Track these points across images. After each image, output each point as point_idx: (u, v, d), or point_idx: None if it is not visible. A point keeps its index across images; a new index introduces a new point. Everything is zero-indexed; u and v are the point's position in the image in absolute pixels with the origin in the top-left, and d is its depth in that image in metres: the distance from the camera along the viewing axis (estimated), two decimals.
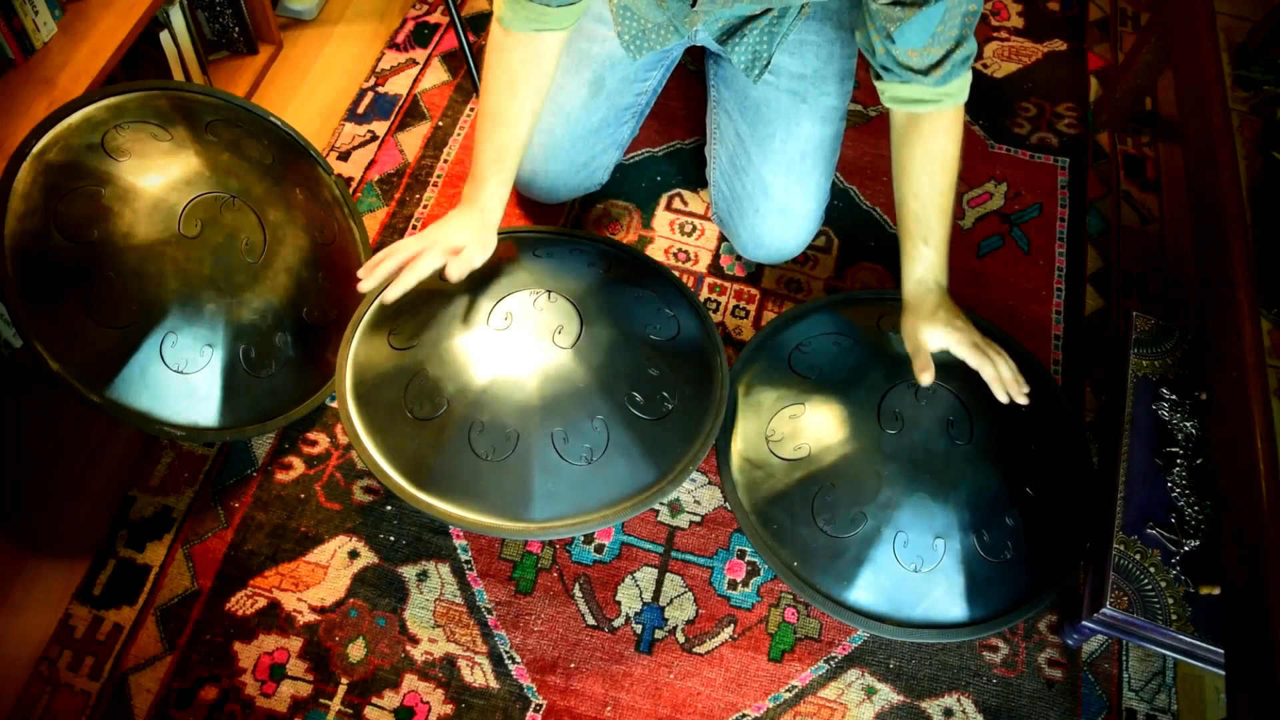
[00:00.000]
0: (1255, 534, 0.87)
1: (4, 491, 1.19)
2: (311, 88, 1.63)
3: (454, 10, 1.58)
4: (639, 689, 1.11)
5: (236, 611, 1.12)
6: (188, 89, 1.23)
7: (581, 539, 1.20)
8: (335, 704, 1.08)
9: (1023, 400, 1.09)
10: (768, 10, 1.16)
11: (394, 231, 1.44)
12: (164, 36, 1.42)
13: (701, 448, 1.12)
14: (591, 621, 1.15)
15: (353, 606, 1.13)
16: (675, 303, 1.25)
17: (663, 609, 1.16)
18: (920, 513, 1.09)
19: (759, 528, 1.14)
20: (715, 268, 1.44)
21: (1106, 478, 1.17)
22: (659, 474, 1.10)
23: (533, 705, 1.09)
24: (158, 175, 1.11)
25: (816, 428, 1.15)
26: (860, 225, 1.51)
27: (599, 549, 1.20)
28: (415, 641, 1.12)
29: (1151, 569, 1.07)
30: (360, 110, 1.58)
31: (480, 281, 1.15)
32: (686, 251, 1.46)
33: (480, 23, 1.74)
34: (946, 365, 1.11)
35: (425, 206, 1.48)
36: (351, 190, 1.48)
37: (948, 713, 1.12)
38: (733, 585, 1.18)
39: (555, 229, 1.35)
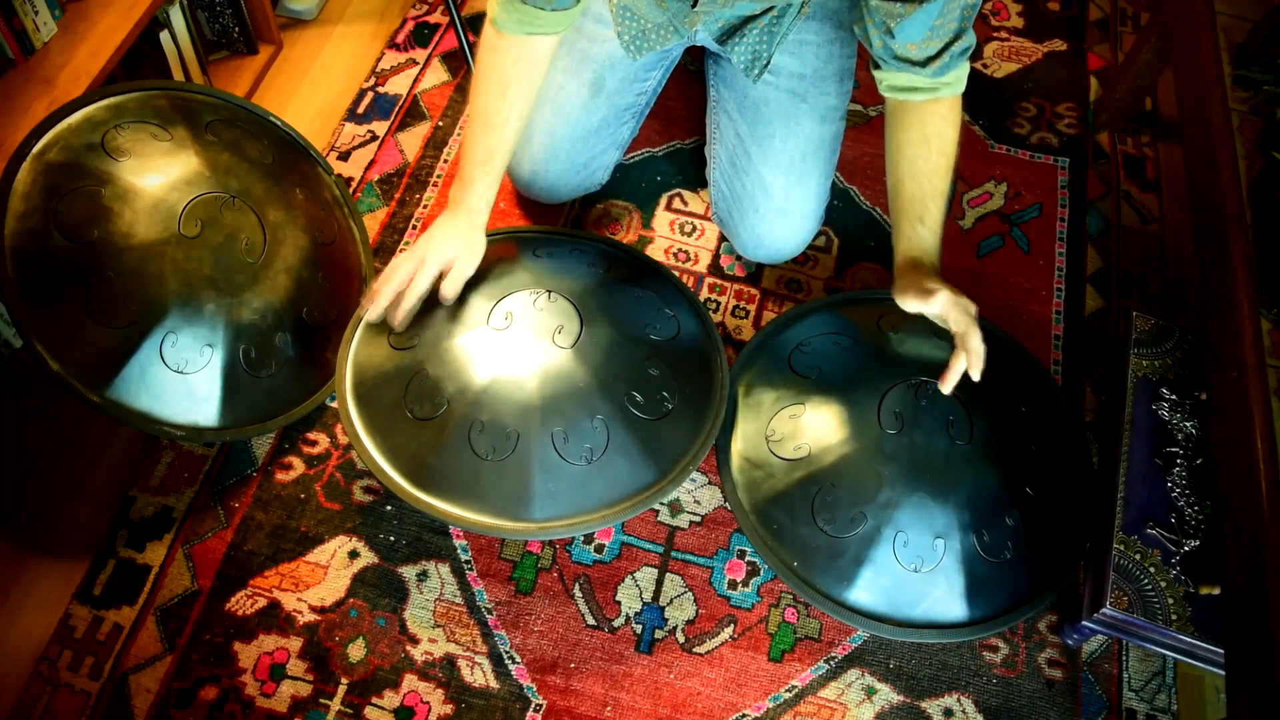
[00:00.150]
0: (1255, 534, 0.87)
1: (4, 491, 1.19)
2: (311, 88, 1.63)
3: (454, 10, 1.58)
4: (639, 689, 1.11)
5: (236, 611, 1.12)
6: (188, 89, 1.22)
7: (581, 539, 1.20)
8: (335, 704, 1.08)
9: (976, 377, 1.04)
10: (767, 10, 1.16)
11: (394, 231, 1.44)
12: (164, 36, 1.43)
13: (701, 448, 1.12)
14: (591, 621, 1.15)
15: (353, 606, 1.13)
16: (675, 303, 1.25)
17: (663, 609, 1.16)
18: (920, 513, 1.09)
19: (759, 528, 1.14)
20: (715, 268, 1.44)
21: (1106, 478, 1.17)
22: (659, 474, 1.10)
23: (533, 705, 1.09)
24: (158, 175, 1.11)
25: (816, 428, 1.15)
26: (860, 225, 1.51)
27: (599, 549, 1.20)
28: (415, 641, 1.12)
29: (1151, 569, 1.07)
30: (360, 110, 1.58)
31: (480, 281, 1.15)
32: (686, 251, 1.46)
33: (480, 23, 1.73)
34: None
35: (425, 206, 1.48)
36: (351, 190, 1.48)
37: (948, 713, 1.12)
38: (733, 585, 1.18)
39: (555, 229, 1.35)
